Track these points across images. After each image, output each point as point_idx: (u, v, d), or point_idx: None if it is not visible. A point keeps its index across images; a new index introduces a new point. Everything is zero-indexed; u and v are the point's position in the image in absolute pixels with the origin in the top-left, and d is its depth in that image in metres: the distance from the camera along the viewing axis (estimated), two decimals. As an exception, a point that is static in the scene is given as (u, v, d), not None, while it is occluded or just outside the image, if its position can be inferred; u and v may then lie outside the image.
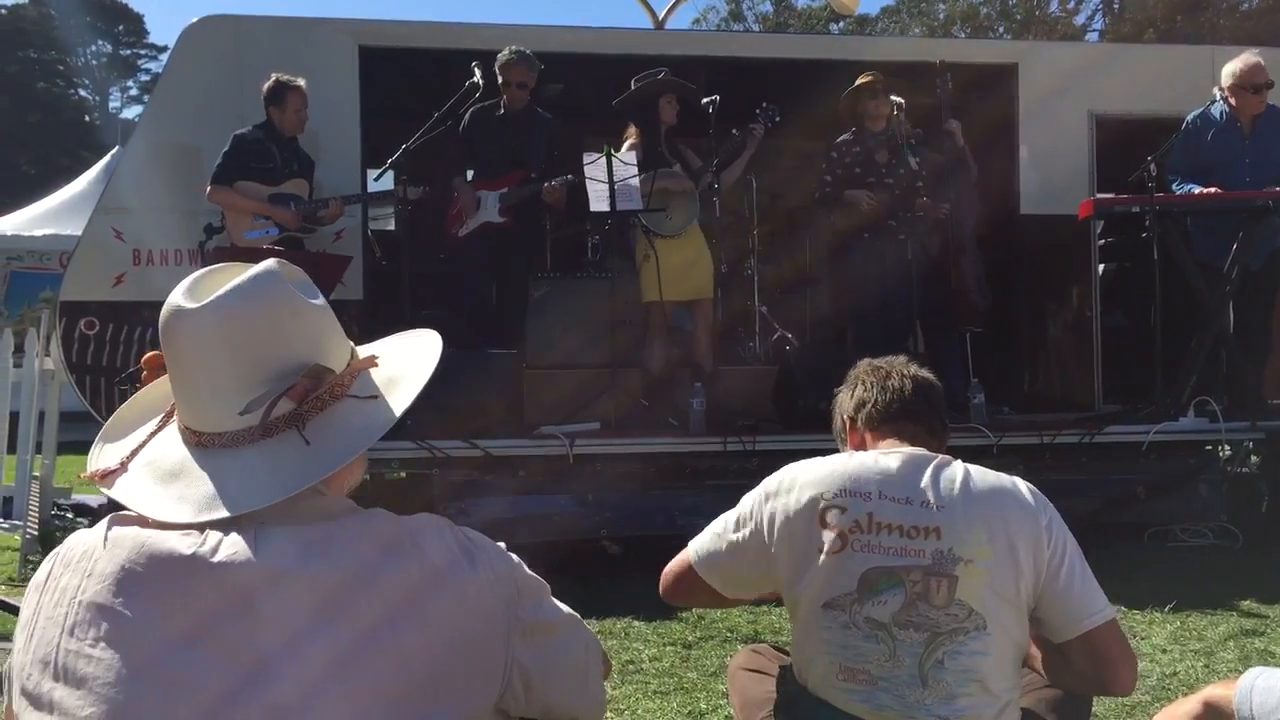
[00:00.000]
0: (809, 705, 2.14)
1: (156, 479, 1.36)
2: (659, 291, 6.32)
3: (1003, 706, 2.07)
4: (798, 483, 2.17)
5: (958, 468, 2.16)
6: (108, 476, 1.39)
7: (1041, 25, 30.94)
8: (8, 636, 4.55)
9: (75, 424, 7.32)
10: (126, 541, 1.28)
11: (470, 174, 6.79)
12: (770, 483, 2.21)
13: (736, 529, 2.22)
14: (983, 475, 2.16)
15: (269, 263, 1.39)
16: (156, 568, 1.26)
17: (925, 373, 2.42)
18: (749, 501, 2.23)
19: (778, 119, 6.62)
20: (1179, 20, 26.92)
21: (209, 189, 6.22)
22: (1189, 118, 6.65)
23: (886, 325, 6.51)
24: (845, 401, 2.43)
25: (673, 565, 2.33)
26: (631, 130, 6.62)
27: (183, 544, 1.26)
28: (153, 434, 1.42)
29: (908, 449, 2.23)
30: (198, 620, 1.23)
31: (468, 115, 6.47)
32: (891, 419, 2.32)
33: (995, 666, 2.05)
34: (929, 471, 2.14)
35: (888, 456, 2.19)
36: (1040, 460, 6.01)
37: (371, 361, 1.44)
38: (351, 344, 1.47)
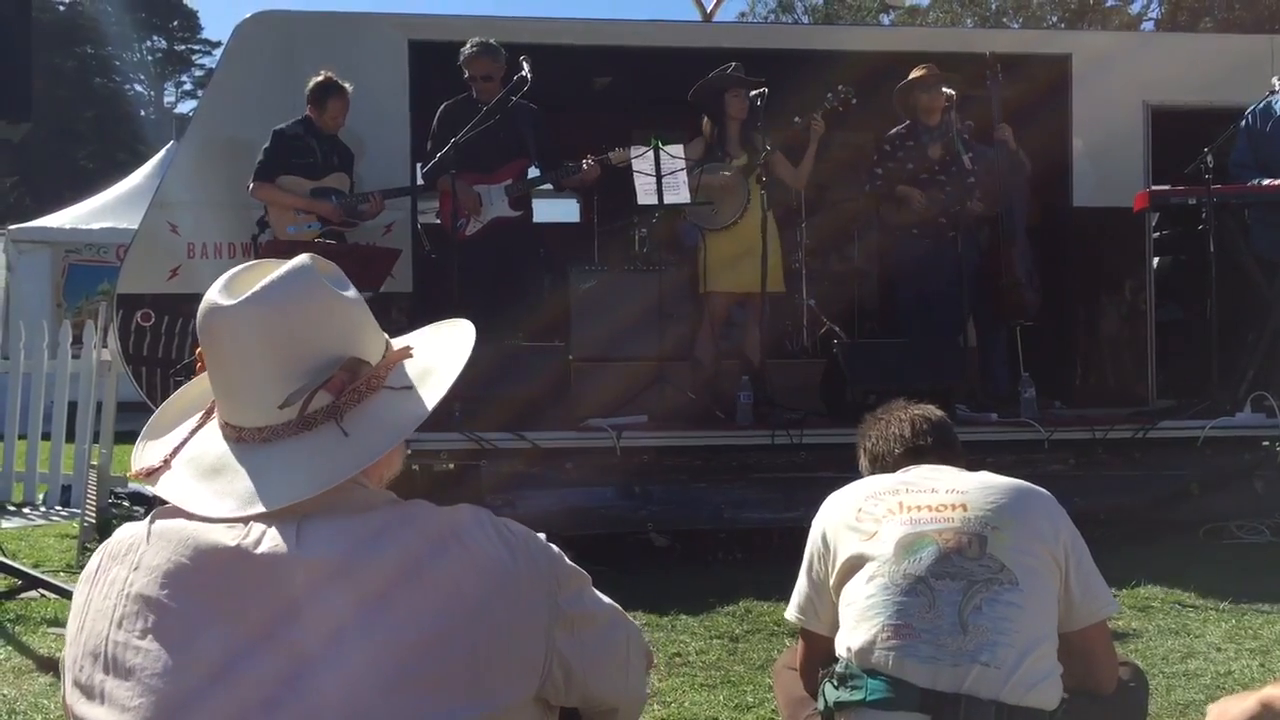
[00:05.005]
0: (854, 680, 2.15)
1: (198, 475, 1.37)
2: (708, 283, 6.39)
3: (1046, 666, 2.10)
4: (833, 505, 2.36)
5: (973, 471, 2.37)
6: (153, 474, 1.41)
7: (1095, 15, 30.51)
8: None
9: (132, 414, 7.44)
10: (172, 534, 1.30)
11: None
12: (816, 520, 2.38)
13: (809, 570, 2.36)
14: (997, 475, 2.35)
15: (302, 257, 1.39)
16: (201, 560, 1.27)
17: (921, 408, 2.58)
18: (809, 543, 2.37)
19: (854, 100, 6.40)
20: (1236, 9, 26.43)
21: (251, 185, 6.30)
22: (1249, 110, 6.53)
23: (936, 321, 6.45)
24: (862, 463, 2.60)
25: (783, 655, 2.47)
26: (706, 123, 6.66)
27: (227, 536, 1.28)
28: (194, 431, 1.43)
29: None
30: (242, 612, 1.25)
31: (441, 112, 6.42)
32: (901, 461, 2.48)
33: (1032, 623, 2.11)
34: (945, 469, 2.38)
35: (904, 471, 2.42)
36: (1093, 455, 5.93)
37: (406, 353, 1.45)
38: (386, 336, 1.47)
